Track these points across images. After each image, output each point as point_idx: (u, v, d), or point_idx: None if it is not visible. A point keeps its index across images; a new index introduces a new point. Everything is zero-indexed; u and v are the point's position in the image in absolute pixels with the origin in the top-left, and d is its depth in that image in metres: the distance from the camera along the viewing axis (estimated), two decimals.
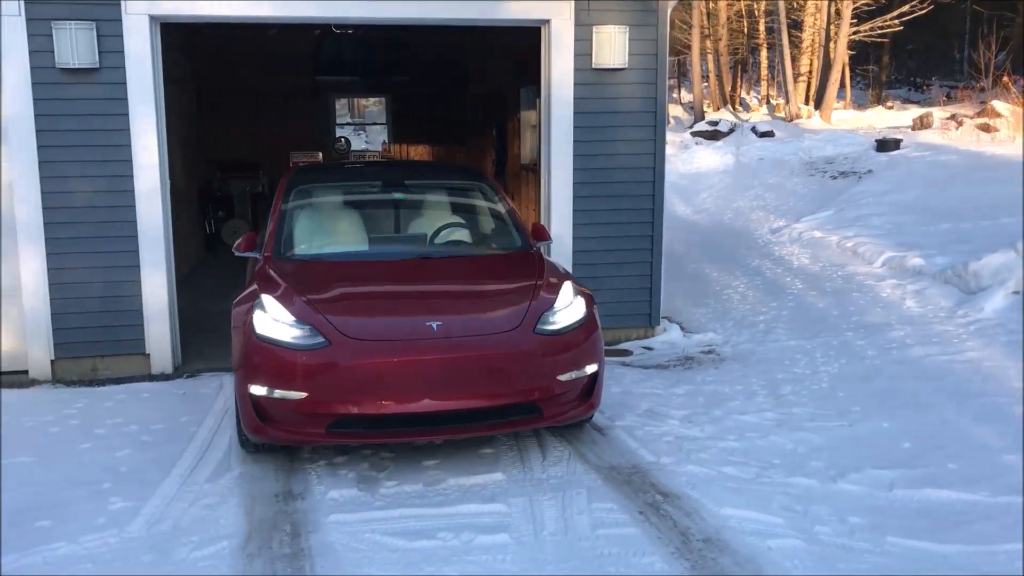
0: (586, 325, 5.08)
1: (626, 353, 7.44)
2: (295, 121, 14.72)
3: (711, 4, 26.38)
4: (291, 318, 4.80)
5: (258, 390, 4.72)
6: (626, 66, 7.35)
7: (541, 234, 6.19)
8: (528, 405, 4.86)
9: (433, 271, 5.67)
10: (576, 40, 7.30)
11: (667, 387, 6.45)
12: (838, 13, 21.68)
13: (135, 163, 6.78)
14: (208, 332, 7.76)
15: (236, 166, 13.24)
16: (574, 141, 7.40)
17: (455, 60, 14.58)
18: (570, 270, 7.26)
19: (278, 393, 4.68)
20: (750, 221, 13.12)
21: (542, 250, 6.08)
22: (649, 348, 7.57)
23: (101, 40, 6.60)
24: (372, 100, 24.81)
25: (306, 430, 4.74)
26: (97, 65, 6.62)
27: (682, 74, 33.62)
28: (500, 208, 6.31)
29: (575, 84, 7.35)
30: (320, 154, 13.60)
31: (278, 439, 4.82)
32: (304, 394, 4.64)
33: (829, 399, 6.07)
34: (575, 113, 7.37)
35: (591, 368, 5.04)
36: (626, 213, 7.58)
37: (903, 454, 5.09)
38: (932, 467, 4.88)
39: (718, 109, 25.92)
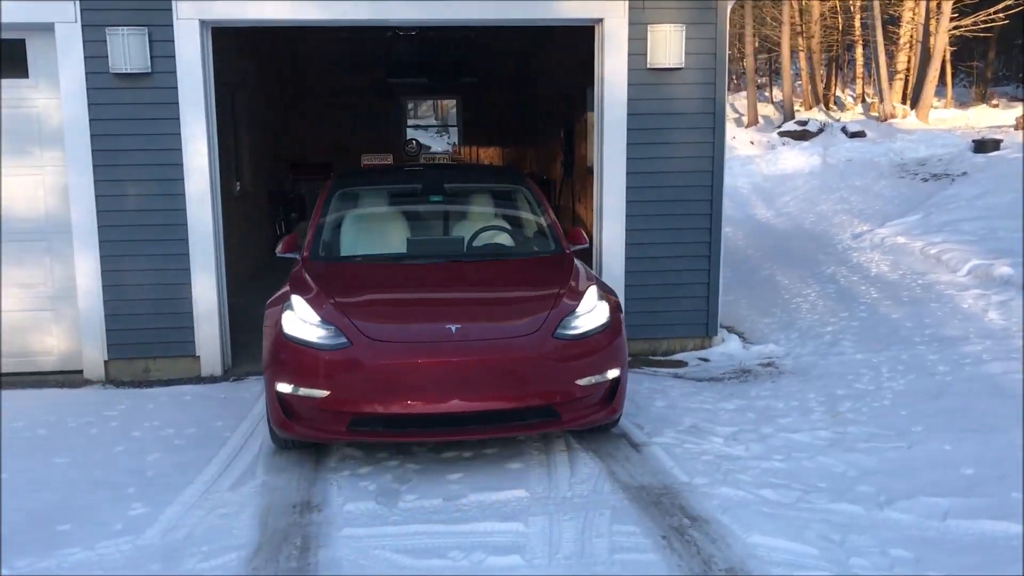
0: (609, 330, 5.01)
1: (680, 364, 7.14)
2: (367, 122, 14.82)
3: (803, 1, 25.54)
4: (317, 319, 4.90)
5: (284, 387, 4.84)
6: (682, 66, 7.06)
7: (576, 238, 6.01)
8: (545, 408, 4.83)
9: (461, 275, 5.65)
10: (630, 39, 7.04)
11: (716, 401, 6.15)
12: (938, 7, 20.70)
13: (186, 167, 6.84)
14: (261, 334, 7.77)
15: (308, 167, 13.38)
16: (627, 143, 7.15)
17: (523, 61, 14.44)
18: (622, 277, 7.07)
19: (303, 391, 4.79)
20: (832, 225, 12.59)
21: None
22: (705, 359, 7.25)
23: (153, 45, 6.68)
24: (452, 102, 24.90)
25: (329, 427, 4.84)
26: (149, 70, 6.69)
27: (774, 72, 32.71)
28: (537, 212, 6.23)
29: (629, 84, 7.09)
30: (391, 156, 13.65)
31: (303, 435, 4.93)
32: (326, 392, 4.74)
33: (890, 418, 5.68)
34: (628, 115, 7.12)
35: (613, 373, 4.97)
36: (682, 219, 7.28)
37: (963, 480, 4.69)
38: (993, 496, 4.48)
39: (810, 108, 25.13)
